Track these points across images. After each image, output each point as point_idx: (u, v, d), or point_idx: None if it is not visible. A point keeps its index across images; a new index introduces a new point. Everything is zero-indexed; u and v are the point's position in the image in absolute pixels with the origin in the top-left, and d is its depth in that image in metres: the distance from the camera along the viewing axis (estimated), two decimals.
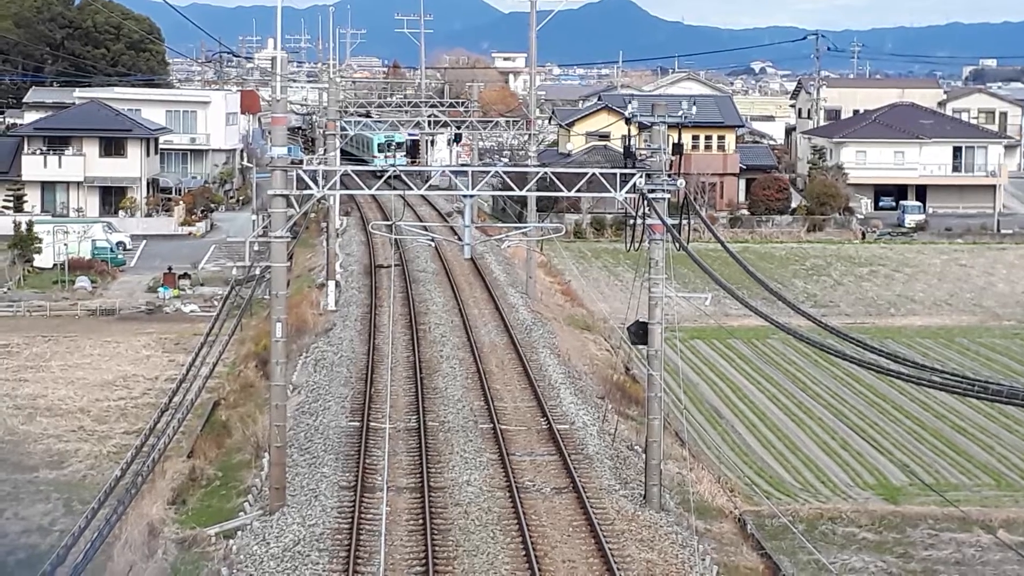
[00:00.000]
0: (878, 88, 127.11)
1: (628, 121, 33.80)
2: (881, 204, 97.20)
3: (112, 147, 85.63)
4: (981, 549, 34.13)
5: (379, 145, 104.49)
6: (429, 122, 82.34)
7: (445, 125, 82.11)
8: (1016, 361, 57.45)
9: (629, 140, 34.29)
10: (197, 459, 38.23)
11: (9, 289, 66.64)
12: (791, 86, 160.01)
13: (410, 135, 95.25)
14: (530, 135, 66.40)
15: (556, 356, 49.06)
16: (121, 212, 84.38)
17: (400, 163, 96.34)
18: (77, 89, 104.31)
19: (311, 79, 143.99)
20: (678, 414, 43.06)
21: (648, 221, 32.53)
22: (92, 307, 63.63)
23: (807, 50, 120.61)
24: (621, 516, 31.76)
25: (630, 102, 34.52)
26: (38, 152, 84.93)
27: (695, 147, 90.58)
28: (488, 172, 39.35)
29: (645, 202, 32.35)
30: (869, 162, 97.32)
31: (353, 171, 37.12)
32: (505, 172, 37.49)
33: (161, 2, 35.35)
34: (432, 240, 63.82)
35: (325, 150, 68.60)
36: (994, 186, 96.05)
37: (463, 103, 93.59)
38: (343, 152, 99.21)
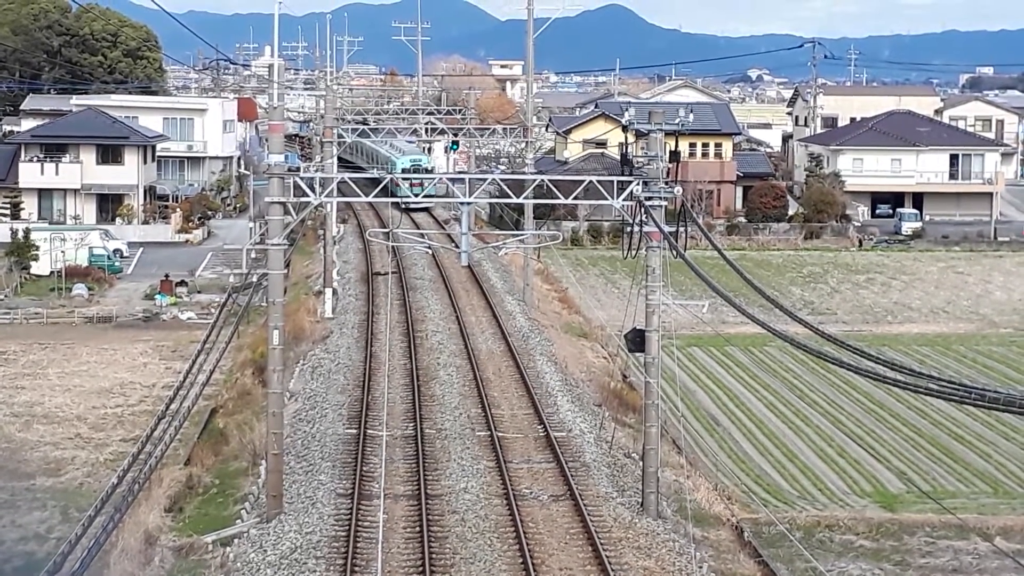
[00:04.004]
0: (875, 96, 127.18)
1: (625, 128, 33.81)
2: (878, 212, 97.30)
3: (109, 154, 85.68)
4: (978, 557, 34.13)
5: (403, 170, 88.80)
6: (426, 129, 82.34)
7: (442, 132, 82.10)
8: (1013, 368, 57.47)
9: (626, 148, 34.27)
10: (194, 467, 38.23)
11: (6, 296, 66.61)
12: (788, 94, 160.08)
13: (408, 142, 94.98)
14: (527, 142, 66.44)
15: (553, 363, 49.04)
16: (118, 219, 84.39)
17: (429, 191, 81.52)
18: (74, 96, 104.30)
19: (308, 86, 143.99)
20: (675, 421, 43.05)
21: (645, 228, 32.54)
22: (89, 314, 63.58)
23: (804, 58, 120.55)
24: (618, 524, 31.75)
25: (627, 109, 34.53)
26: (35, 159, 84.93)
27: (692, 155, 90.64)
28: (485, 179, 39.39)
29: (642, 209, 32.37)
30: (866, 170, 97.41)
31: (350, 178, 37.10)
32: (502, 179, 37.50)
33: (158, 10, 35.32)
34: (429, 247, 63.91)
35: (322, 157, 68.58)
36: (991, 194, 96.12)
37: (460, 110, 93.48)
38: (353, 167, 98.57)
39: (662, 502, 33.40)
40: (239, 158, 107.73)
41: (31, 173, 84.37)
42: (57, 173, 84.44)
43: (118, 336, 59.56)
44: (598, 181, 34.57)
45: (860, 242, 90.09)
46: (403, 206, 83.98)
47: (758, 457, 43.93)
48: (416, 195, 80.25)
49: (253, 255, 68.00)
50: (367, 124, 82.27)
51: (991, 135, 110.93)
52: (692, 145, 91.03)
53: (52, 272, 70.06)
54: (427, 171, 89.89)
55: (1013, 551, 34.17)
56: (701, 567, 29.71)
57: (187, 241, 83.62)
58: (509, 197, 38.76)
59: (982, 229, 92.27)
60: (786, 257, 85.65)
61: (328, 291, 59.63)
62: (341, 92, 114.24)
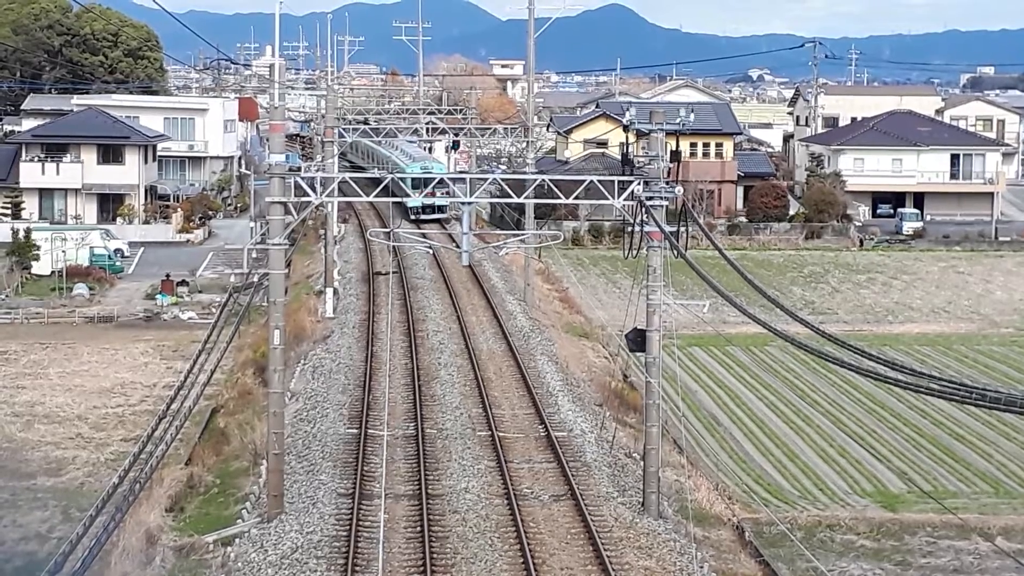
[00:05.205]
0: (876, 95, 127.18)
1: (626, 128, 33.80)
2: (879, 211, 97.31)
3: (110, 154, 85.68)
4: (979, 556, 34.13)
5: (414, 180, 75.88)
6: (427, 129, 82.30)
7: (443, 132, 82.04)
8: (1014, 368, 57.45)
9: (627, 147, 34.26)
10: (195, 466, 38.23)
11: (7, 296, 66.61)
12: (789, 93, 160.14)
13: (410, 142, 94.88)
14: (528, 142, 66.40)
15: (554, 363, 49.04)
16: (119, 219, 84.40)
17: (440, 202, 78.66)
18: (75, 96, 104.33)
19: (309, 86, 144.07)
20: (676, 421, 43.05)
21: (646, 228, 32.55)
22: (90, 314, 63.57)
23: (805, 57, 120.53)
24: (619, 523, 31.75)
25: (628, 109, 34.53)
26: (36, 159, 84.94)
27: (693, 154, 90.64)
28: (486, 179, 39.38)
29: (643, 209, 32.37)
30: (867, 169, 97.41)
31: (351, 178, 37.09)
32: (503, 179, 37.50)
33: (159, 9, 35.32)
34: (430, 247, 63.89)
35: (323, 157, 68.57)
36: (992, 193, 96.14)
37: (461, 110, 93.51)
38: (358, 169, 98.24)
39: (663, 502, 33.39)
40: (240, 158, 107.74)
41: (32, 173, 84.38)
42: (58, 173, 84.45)
43: (119, 336, 59.55)
44: (599, 181, 34.57)
45: (861, 242, 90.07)
46: (412, 217, 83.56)
47: (759, 457, 43.92)
48: (427, 205, 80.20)
49: (254, 255, 67.96)
50: (368, 124, 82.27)
51: (992, 135, 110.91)
52: (693, 145, 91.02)
53: (53, 272, 70.04)
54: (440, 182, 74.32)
55: (1014, 551, 34.17)
56: (702, 567, 29.71)
57: (188, 241, 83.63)
58: (510, 197, 38.77)
59: (983, 229, 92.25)
60: (787, 257, 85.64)
61: (329, 291, 59.64)
62: (342, 92, 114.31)
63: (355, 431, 38.80)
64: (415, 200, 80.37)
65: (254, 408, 42.83)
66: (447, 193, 64.40)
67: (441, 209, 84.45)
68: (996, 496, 40.29)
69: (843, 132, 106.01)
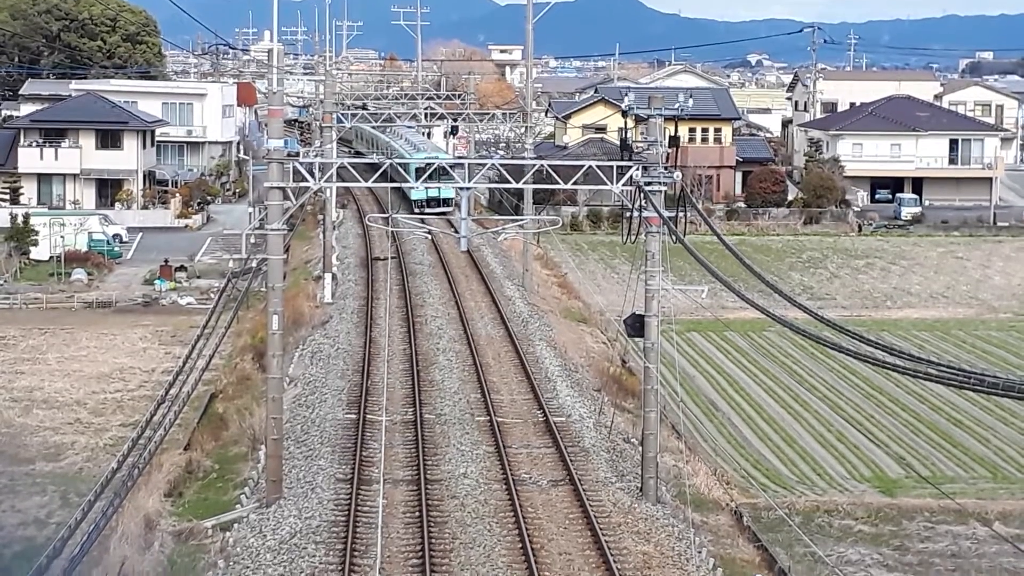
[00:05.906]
0: (874, 81, 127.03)
1: (625, 113, 33.78)
2: (877, 197, 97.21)
3: (108, 139, 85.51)
4: (977, 541, 34.17)
5: (418, 170, 63.47)
6: (426, 114, 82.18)
7: (442, 117, 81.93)
8: (1012, 353, 57.51)
9: (626, 133, 34.23)
10: (194, 451, 38.25)
11: (5, 281, 66.58)
12: (788, 79, 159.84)
13: (407, 127, 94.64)
14: (527, 127, 66.34)
15: (552, 349, 49.05)
16: (117, 204, 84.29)
17: (445, 195, 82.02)
18: (73, 81, 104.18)
19: (307, 71, 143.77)
20: (674, 407, 43.09)
21: (644, 214, 32.54)
22: (88, 299, 63.53)
23: (803, 43, 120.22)
24: (617, 508, 31.79)
25: (627, 94, 34.52)
26: (34, 144, 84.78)
27: (692, 140, 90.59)
28: (485, 165, 39.33)
29: (641, 195, 32.36)
30: (865, 155, 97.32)
31: (349, 163, 37.04)
32: (502, 165, 37.47)
33: None
34: (429, 233, 63.84)
35: (322, 142, 68.52)
36: (990, 179, 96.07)
37: (460, 95, 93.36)
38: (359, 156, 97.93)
39: (661, 487, 33.44)
40: (238, 143, 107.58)
41: (30, 158, 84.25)
42: (56, 158, 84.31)
43: (117, 321, 59.54)
44: (597, 166, 34.55)
45: (859, 227, 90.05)
46: (416, 210, 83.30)
47: (757, 442, 43.98)
48: (431, 198, 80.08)
49: (252, 240, 67.95)
50: (367, 109, 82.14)
51: (991, 120, 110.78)
52: (692, 130, 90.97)
53: (51, 257, 69.97)
54: (444, 172, 61.53)
55: (1012, 536, 34.20)
56: (700, 552, 29.75)
57: (186, 226, 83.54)
58: (509, 182, 38.72)
59: (981, 214, 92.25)
60: (785, 242, 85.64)
61: (327, 276, 59.61)
62: (340, 77, 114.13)
63: (354, 416, 38.83)
64: (419, 192, 79.92)
65: (253, 393, 42.85)
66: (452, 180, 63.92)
67: (447, 202, 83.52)
68: (994, 481, 40.37)
69: (842, 117, 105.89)
